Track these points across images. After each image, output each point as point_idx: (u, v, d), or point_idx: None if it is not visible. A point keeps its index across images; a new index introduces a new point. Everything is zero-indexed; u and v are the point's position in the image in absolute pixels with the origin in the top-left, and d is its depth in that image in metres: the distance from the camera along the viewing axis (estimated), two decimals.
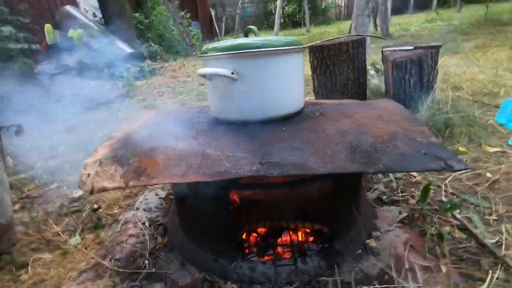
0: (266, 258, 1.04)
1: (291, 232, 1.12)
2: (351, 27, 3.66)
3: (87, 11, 6.42)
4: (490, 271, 0.89)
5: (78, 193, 1.60)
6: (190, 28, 8.31)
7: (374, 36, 3.11)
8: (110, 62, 4.93)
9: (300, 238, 1.10)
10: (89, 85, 4.05)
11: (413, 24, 8.94)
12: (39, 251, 1.17)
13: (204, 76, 1.06)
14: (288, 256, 1.04)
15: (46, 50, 4.59)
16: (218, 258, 1.03)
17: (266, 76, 1.00)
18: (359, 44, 2.33)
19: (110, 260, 1.10)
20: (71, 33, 4.66)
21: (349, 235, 1.09)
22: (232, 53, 0.97)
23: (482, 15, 8.08)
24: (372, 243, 1.08)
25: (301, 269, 0.97)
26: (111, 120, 2.90)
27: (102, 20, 6.02)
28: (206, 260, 1.04)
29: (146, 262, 1.08)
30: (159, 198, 1.51)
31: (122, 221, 1.32)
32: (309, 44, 1.82)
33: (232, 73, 0.98)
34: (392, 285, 0.90)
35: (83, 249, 1.16)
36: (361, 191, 1.22)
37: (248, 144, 0.94)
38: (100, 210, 1.41)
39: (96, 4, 6.15)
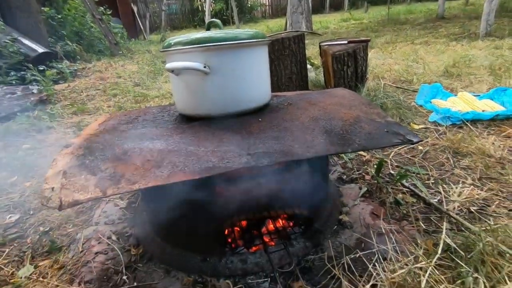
0: (253, 248, 1.05)
1: (270, 221, 1.16)
2: (286, 24, 3.86)
3: None
4: (441, 224, 1.07)
5: (13, 217, 1.34)
6: (111, 24, 7.57)
7: (312, 32, 3.34)
8: (18, 64, 4.19)
9: (281, 224, 1.15)
10: None
11: (331, 23, 9.87)
12: None
13: (172, 71, 1.00)
14: (273, 244, 1.07)
15: None
16: (206, 258, 1.00)
17: (238, 68, 1.00)
18: (299, 40, 2.48)
19: (79, 284, 0.97)
20: None
21: (324, 214, 1.18)
22: (205, 46, 0.95)
23: (385, 15, 9.40)
24: (344, 217, 1.19)
25: (291, 252, 1.02)
26: (32, 131, 2.48)
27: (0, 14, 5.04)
28: (194, 262, 1.00)
29: (125, 277, 0.98)
30: (120, 208, 1.38)
31: (81, 239, 1.17)
32: (269, 36, 1.86)
33: (205, 67, 0.96)
34: (370, 250, 1.01)
35: (41, 279, 0.99)
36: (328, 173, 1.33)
37: (229, 137, 0.94)
38: (51, 232, 1.22)
39: None
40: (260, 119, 1.04)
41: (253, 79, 1.05)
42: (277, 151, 0.86)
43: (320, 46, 2.54)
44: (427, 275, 0.80)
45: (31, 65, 4.03)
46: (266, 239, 1.08)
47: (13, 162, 1.85)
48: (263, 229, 1.12)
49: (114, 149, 0.90)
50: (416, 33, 5.78)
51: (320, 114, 1.08)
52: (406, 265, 0.83)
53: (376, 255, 0.98)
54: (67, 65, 4.89)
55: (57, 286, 0.96)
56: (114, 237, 1.18)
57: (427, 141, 1.69)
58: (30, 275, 1.01)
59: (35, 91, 3.64)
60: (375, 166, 1.53)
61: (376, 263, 0.93)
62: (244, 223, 1.15)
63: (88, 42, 6.59)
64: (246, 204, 1.18)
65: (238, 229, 1.13)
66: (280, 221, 1.16)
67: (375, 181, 1.38)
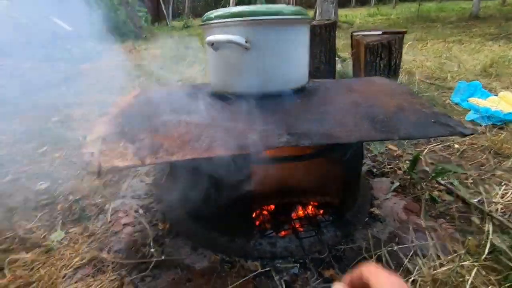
0: (283, 233, 1.03)
1: (300, 207, 1.13)
2: (315, 12, 3.75)
3: None
4: (483, 225, 1.01)
5: (44, 184, 1.37)
6: (136, 7, 7.63)
7: (345, 22, 3.23)
8: (46, 41, 4.28)
9: (311, 212, 1.11)
10: (24, 67, 3.47)
11: (357, 17, 9.57)
12: (12, 251, 0.97)
13: (212, 44, 0.97)
14: (302, 230, 1.04)
15: None
16: (234, 238, 0.99)
17: (280, 46, 0.96)
18: (331, 28, 2.40)
19: (108, 252, 0.97)
20: None
21: (355, 206, 1.14)
22: (248, 20, 0.91)
23: (414, 11, 9.03)
24: (376, 210, 1.14)
25: (321, 240, 0.99)
26: (61, 106, 2.53)
27: None
28: (221, 242, 0.99)
29: (152, 250, 0.98)
30: (146, 184, 1.38)
31: (109, 210, 1.17)
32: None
33: (246, 42, 0.92)
34: (405, 245, 0.96)
35: (72, 244, 1.00)
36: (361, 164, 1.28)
37: (268, 116, 0.90)
38: (80, 201, 1.23)
39: None
40: (298, 100, 1.00)
41: (294, 59, 1.01)
42: (318, 133, 0.82)
43: (352, 36, 2.44)
44: (473, 274, 0.75)
45: (59, 43, 4.11)
46: (296, 225, 1.05)
47: (43, 133, 1.89)
48: (293, 215, 1.10)
49: (152, 120, 0.88)
50: (448, 31, 5.53)
51: (360, 100, 1.03)
52: (452, 261, 0.78)
53: (412, 251, 0.94)
54: (92, 45, 4.96)
55: (87, 252, 0.96)
56: (141, 211, 1.18)
57: (465, 140, 1.60)
58: (61, 240, 1.03)
59: (62, 68, 3.72)
60: (407, 161, 1.47)
61: (412, 258, 0.89)
62: (273, 207, 1.13)
63: (113, 24, 6.67)
64: (278, 188, 1.15)
65: (267, 212, 1.11)
66: (310, 208, 1.13)
67: (408, 177, 1.32)
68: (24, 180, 1.42)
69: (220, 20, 0.96)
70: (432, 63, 3.16)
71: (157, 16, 11.09)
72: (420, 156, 1.49)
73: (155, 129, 0.84)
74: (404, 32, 2.18)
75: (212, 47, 0.98)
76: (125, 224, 1.11)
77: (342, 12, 11.03)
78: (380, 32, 2.22)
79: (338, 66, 3.18)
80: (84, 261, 0.93)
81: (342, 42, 4.64)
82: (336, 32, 2.46)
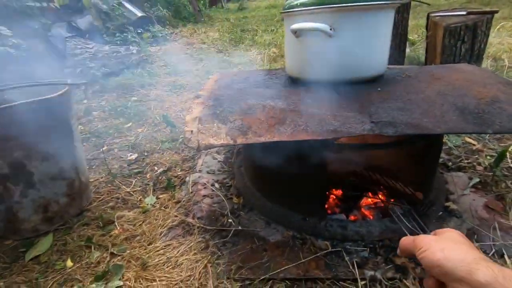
0: (352, 217, 1.06)
1: (371, 194, 1.14)
2: None
3: None
4: None
5: (133, 156, 1.59)
6: None
7: (421, 1, 2.97)
8: (121, 26, 4.70)
9: (384, 199, 1.12)
10: (104, 50, 3.88)
11: None
12: (119, 209, 1.18)
13: (295, 32, 1.00)
14: (373, 217, 1.06)
15: (55, 11, 4.32)
16: (306, 218, 1.05)
17: (364, 33, 0.95)
18: (404, 9, 2.24)
19: (193, 218, 1.12)
20: None
21: (429, 198, 1.11)
22: (333, 7, 0.92)
23: None
24: (452, 205, 1.10)
25: (392, 228, 1.00)
26: (137, 86, 2.81)
27: None
28: (294, 219, 1.06)
29: (230, 220, 1.10)
30: (218, 162, 1.51)
31: (190, 182, 1.32)
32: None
33: (330, 29, 0.93)
34: (485, 243, 0.93)
35: (163, 208, 1.17)
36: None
37: (350, 103, 0.92)
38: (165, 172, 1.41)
39: None
40: (379, 89, 1.00)
41: (375, 46, 0.99)
42: (404, 122, 0.82)
43: (428, 17, 2.24)
44: None
45: (131, 28, 4.48)
46: (365, 212, 1.07)
47: (126, 111, 2.15)
48: (365, 201, 1.12)
49: (240, 104, 0.96)
50: None
51: (447, 89, 0.98)
52: None
53: (493, 250, 0.90)
54: (159, 29, 5.31)
55: (176, 216, 1.12)
56: (217, 185, 1.31)
57: None
58: (154, 203, 1.20)
59: (134, 51, 4.06)
60: (488, 157, 1.36)
61: (494, 257, 0.86)
62: (345, 191, 1.16)
63: (175, 8, 7.00)
64: (352, 173, 1.18)
65: (339, 197, 1.15)
66: (382, 196, 1.14)
67: (490, 173, 1.23)
68: (117, 151, 1.65)
69: (304, 8, 0.98)
70: None
71: (214, 0, 11.28)
72: (507, 152, 1.37)
73: (243, 111, 0.92)
74: (495, 12, 1.93)
75: (295, 34, 1.02)
76: (204, 196, 1.24)
77: None
78: (464, 13, 2.00)
79: (407, 51, 2.95)
80: (175, 223, 1.09)
81: (412, 23, 4.25)
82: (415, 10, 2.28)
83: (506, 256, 0.85)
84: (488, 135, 1.53)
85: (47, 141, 1.02)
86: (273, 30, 5.23)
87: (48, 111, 1.01)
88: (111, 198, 1.25)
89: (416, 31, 4.00)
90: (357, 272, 0.87)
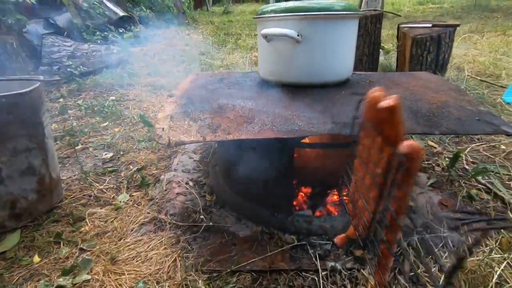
0: (318, 213, 1.12)
1: (336, 192, 1.21)
2: (361, 2, 3.65)
3: None
4: None
5: (108, 154, 1.58)
6: None
7: (393, 13, 3.12)
8: (102, 25, 4.63)
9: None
10: (84, 48, 3.81)
11: (405, 5, 8.97)
12: (91, 206, 1.18)
13: (265, 37, 1.06)
14: (336, 213, 1.13)
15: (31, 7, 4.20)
16: (275, 213, 1.10)
17: (329, 40, 1.02)
18: (377, 20, 2.36)
19: (165, 215, 1.14)
20: None
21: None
22: (301, 15, 0.98)
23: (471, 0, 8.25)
24: (409, 202, 1.19)
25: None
26: (116, 86, 2.79)
27: None
28: (263, 215, 1.10)
29: (201, 217, 1.13)
30: (194, 161, 1.54)
31: (164, 180, 1.34)
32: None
33: (298, 35, 1.00)
34: (433, 234, 1.01)
35: (136, 205, 1.18)
36: None
37: (315, 105, 0.98)
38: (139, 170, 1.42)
39: None
40: (343, 92, 1.07)
41: (341, 52, 1.06)
42: (359, 123, 0.89)
43: (398, 28, 2.38)
44: (502, 267, 0.79)
45: (112, 27, 4.43)
46: (331, 207, 1.13)
47: (103, 110, 2.13)
48: (329, 198, 1.18)
49: (211, 103, 1.00)
50: (509, 23, 5.03)
51: (405, 94, 1.07)
52: (483, 253, 0.82)
53: (443, 241, 0.98)
54: (141, 30, 5.26)
55: (149, 213, 1.14)
56: (191, 183, 1.33)
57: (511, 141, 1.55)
58: (127, 201, 1.21)
59: (115, 51, 4.01)
60: (447, 159, 1.47)
61: (443, 248, 0.94)
62: (311, 189, 1.22)
63: (159, 9, 6.96)
64: (317, 172, 1.24)
65: (306, 194, 1.21)
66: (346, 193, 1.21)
67: (447, 174, 1.33)
68: (92, 150, 1.64)
69: (274, 15, 1.04)
70: (486, 59, 2.96)
71: (199, 2, 11.29)
72: (462, 154, 1.48)
73: (214, 110, 0.96)
74: (457, 25, 2.08)
75: (266, 39, 1.07)
76: (178, 193, 1.27)
77: None
78: (430, 25, 2.14)
79: (381, 58, 3.10)
80: (147, 219, 1.11)
81: (386, 32, 4.46)
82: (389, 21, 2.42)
83: (450, 244, 0.93)
84: (448, 138, 1.65)
85: (16, 137, 1.02)
86: (257, 35, 5.31)
87: (18, 106, 1.00)
88: (83, 195, 1.24)
89: (392, 40, 4.20)
90: (319, 264, 0.93)
